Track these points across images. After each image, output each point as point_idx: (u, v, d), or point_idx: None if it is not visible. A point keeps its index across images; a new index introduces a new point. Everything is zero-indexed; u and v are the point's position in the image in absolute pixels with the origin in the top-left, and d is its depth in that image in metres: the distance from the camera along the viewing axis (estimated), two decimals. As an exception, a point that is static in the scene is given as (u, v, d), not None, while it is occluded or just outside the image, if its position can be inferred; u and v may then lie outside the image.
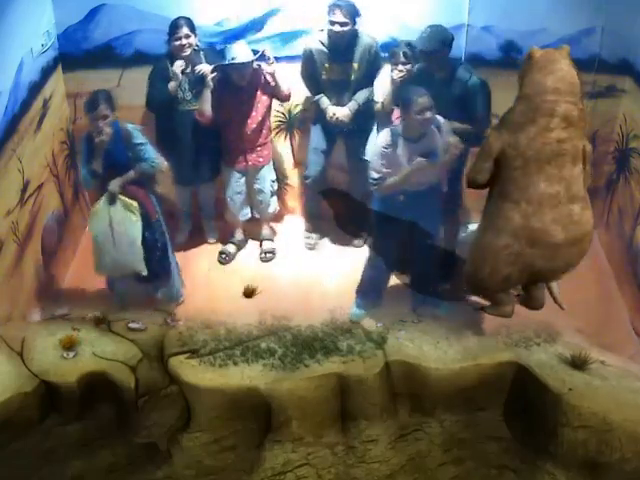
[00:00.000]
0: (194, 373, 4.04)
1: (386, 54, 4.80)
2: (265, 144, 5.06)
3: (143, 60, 4.89)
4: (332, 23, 4.60)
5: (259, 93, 4.85)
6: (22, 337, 4.18)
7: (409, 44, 4.60)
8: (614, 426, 3.67)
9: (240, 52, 4.62)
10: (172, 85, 4.73)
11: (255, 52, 4.68)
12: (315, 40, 4.76)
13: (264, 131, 5.00)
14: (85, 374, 3.98)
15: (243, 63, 4.64)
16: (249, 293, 4.82)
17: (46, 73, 4.81)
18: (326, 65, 4.76)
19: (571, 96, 3.63)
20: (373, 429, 4.03)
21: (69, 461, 3.88)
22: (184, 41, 4.62)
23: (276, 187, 5.28)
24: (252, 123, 4.90)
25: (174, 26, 4.61)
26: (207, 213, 5.49)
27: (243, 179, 5.15)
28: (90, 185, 4.46)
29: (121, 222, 4.32)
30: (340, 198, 5.39)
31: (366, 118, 4.92)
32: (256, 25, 4.87)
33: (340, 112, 4.82)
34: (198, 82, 4.73)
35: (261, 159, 5.08)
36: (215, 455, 3.96)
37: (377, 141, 4.36)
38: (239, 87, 4.79)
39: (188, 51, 4.67)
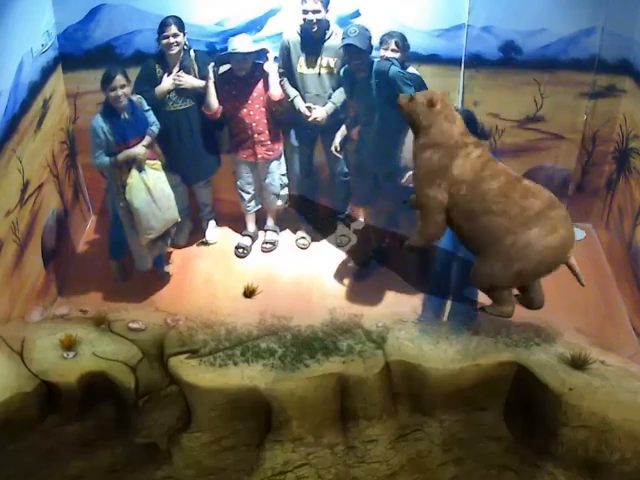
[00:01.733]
0: (194, 373, 4.04)
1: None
2: (275, 137, 5.07)
3: (143, 60, 4.88)
4: (305, 12, 4.58)
5: (261, 86, 4.86)
6: (22, 337, 4.18)
7: (401, 35, 4.54)
8: (614, 426, 3.67)
9: (240, 43, 4.66)
10: (159, 90, 4.76)
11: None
12: (292, 31, 4.75)
13: (272, 123, 5.01)
14: (85, 374, 3.98)
15: (243, 53, 4.68)
16: (249, 293, 4.82)
17: (46, 73, 4.81)
18: (301, 57, 4.75)
19: (468, 135, 4.01)
20: (373, 429, 4.03)
21: (69, 461, 3.88)
22: (172, 40, 4.63)
23: (286, 181, 5.30)
24: (256, 114, 4.91)
25: (163, 24, 4.62)
26: (205, 213, 5.49)
27: (253, 171, 5.18)
28: (105, 166, 4.50)
29: (156, 184, 4.58)
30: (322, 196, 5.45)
31: (343, 114, 4.89)
32: (256, 25, 4.87)
33: (316, 113, 4.80)
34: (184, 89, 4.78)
35: (271, 152, 5.09)
36: (215, 455, 3.96)
37: None
38: (240, 78, 4.81)
39: (176, 49, 4.69)
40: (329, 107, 4.82)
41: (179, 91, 4.80)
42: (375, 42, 4.49)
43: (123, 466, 3.90)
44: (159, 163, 4.66)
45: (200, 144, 5.01)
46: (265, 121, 4.97)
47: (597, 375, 3.97)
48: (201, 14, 4.88)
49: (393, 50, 4.51)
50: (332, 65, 4.75)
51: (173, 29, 4.61)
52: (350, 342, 4.22)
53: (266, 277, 5.06)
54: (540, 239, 3.83)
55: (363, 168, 4.81)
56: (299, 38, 4.73)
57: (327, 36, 4.70)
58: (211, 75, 4.72)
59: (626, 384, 3.92)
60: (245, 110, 4.90)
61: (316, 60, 4.75)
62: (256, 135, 4.99)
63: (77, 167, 5.50)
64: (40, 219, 4.75)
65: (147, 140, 4.57)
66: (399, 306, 4.61)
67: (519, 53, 4.96)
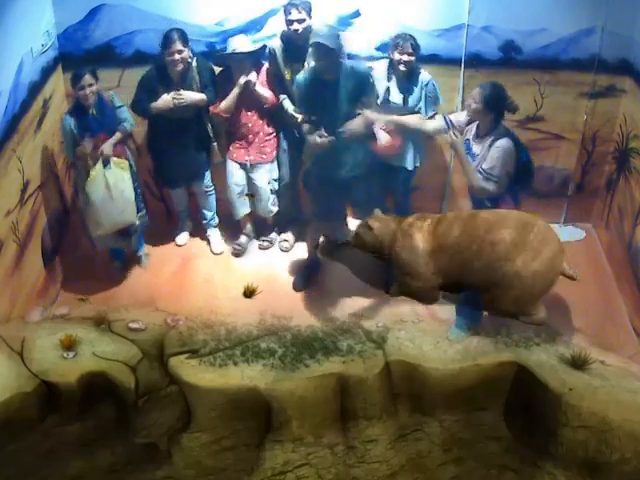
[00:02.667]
0: (194, 373, 4.04)
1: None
2: (269, 140, 5.06)
3: (143, 60, 4.89)
4: (290, 22, 4.57)
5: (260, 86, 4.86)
6: (22, 337, 4.18)
7: (414, 38, 4.57)
8: (614, 426, 3.67)
9: (239, 44, 4.68)
10: (155, 107, 4.77)
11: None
12: (277, 40, 4.75)
13: (267, 126, 5.00)
14: (85, 374, 3.98)
15: (243, 53, 4.68)
16: (249, 293, 4.82)
17: (46, 73, 4.81)
18: (288, 65, 4.74)
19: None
20: (373, 429, 4.03)
21: (69, 461, 3.88)
22: (177, 56, 4.63)
23: (277, 186, 5.25)
24: (253, 115, 4.91)
25: (167, 40, 4.60)
26: (208, 220, 5.46)
27: (242, 172, 5.15)
28: (70, 158, 4.66)
29: (116, 182, 4.62)
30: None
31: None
32: (256, 25, 4.87)
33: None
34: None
35: (264, 156, 5.08)
36: (215, 455, 3.96)
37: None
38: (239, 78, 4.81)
39: (181, 66, 4.68)
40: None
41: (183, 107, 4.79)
42: (376, 42, 4.52)
43: (123, 466, 3.90)
44: (126, 163, 4.70)
45: (193, 146, 5.01)
46: (261, 122, 4.96)
47: (597, 375, 3.97)
48: (201, 14, 4.88)
49: (409, 54, 4.56)
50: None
51: (178, 45, 4.59)
52: (350, 342, 4.22)
53: (266, 277, 5.06)
54: (527, 267, 3.99)
55: (325, 176, 4.59)
56: (282, 45, 4.72)
57: (311, 41, 4.66)
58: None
59: (626, 384, 3.92)
60: (242, 110, 4.90)
61: (302, 65, 4.69)
62: (250, 136, 4.98)
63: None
64: (40, 219, 4.75)
65: (116, 136, 4.62)
66: (399, 306, 4.61)
67: (519, 53, 4.97)
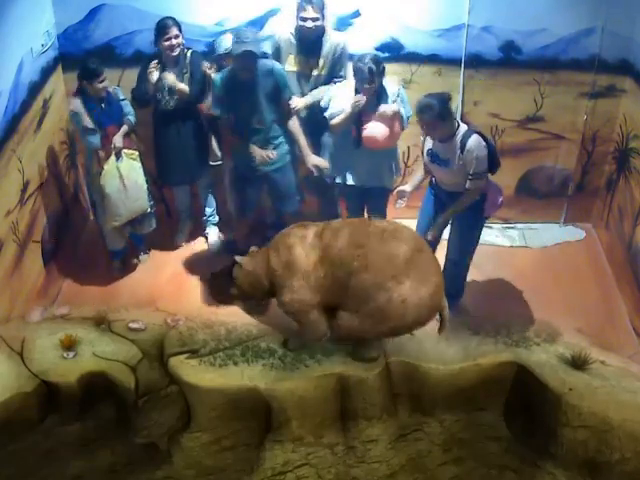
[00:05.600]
0: (194, 373, 4.04)
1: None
2: None
3: (143, 60, 4.88)
4: (304, 19, 4.54)
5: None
6: (22, 337, 4.18)
7: (375, 58, 4.29)
8: (614, 426, 3.68)
9: (227, 42, 4.63)
10: (149, 87, 4.78)
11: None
12: (286, 31, 4.71)
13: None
14: (85, 374, 3.98)
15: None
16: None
17: (46, 73, 4.81)
18: (291, 56, 4.72)
19: None
20: (373, 429, 4.03)
21: (69, 461, 3.88)
22: (174, 41, 4.63)
23: None
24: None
25: (164, 26, 4.60)
26: (207, 217, 5.45)
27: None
28: (96, 146, 4.60)
29: (129, 173, 4.71)
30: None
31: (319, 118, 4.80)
32: (256, 25, 4.86)
33: (295, 102, 4.64)
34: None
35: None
36: (215, 455, 3.96)
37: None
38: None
39: (177, 50, 4.68)
40: (307, 99, 4.73)
41: (170, 91, 4.77)
42: (376, 42, 4.45)
43: (123, 466, 3.90)
44: (136, 153, 4.77)
45: (192, 144, 4.99)
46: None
47: (597, 375, 3.97)
48: (201, 14, 4.88)
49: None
50: (321, 66, 4.71)
51: (174, 30, 4.60)
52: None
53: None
54: (414, 293, 3.70)
55: (244, 172, 4.76)
56: (292, 38, 4.69)
57: (323, 40, 4.65)
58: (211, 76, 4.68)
59: (626, 384, 3.92)
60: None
61: (307, 60, 4.70)
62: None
63: (77, 167, 5.49)
64: (40, 219, 4.75)
65: (124, 129, 4.67)
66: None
67: (519, 53, 4.96)
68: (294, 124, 4.64)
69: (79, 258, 5.32)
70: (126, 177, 4.68)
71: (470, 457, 3.95)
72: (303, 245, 3.90)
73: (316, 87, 4.75)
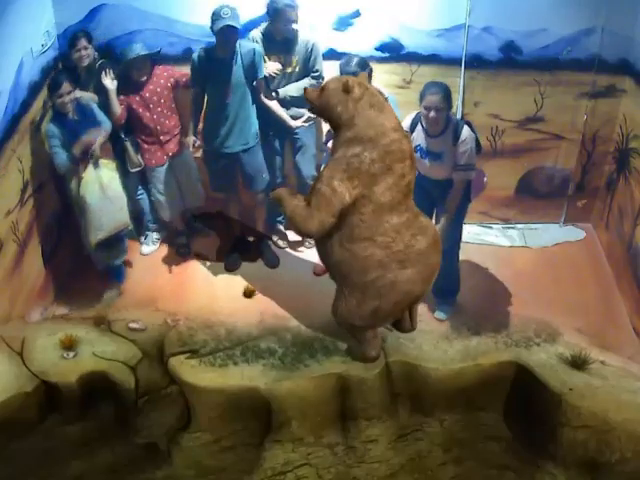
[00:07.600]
0: (194, 373, 4.04)
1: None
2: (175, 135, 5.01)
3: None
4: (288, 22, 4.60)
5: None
6: (22, 337, 4.19)
7: (361, 62, 4.35)
8: (614, 426, 3.67)
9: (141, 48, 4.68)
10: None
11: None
12: (257, 32, 4.76)
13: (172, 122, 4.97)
14: (85, 374, 3.98)
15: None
16: (249, 293, 4.82)
17: (46, 73, 4.80)
18: (264, 56, 4.73)
19: (400, 127, 3.61)
20: (373, 429, 4.03)
21: (69, 461, 3.87)
22: (83, 52, 4.72)
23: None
24: (160, 117, 4.89)
25: (73, 38, 4.70)
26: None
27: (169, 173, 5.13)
28: (64, 163, 4.48)
29: (110, 183, 4.58)
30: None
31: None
32: (256, 25, 4.86)
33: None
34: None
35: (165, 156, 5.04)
36: (215, 455, 3.96)
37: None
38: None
39: (87, 61, 4.76)
40: (287, 91, 4.79)
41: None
42: (376, 42, 4.44)
43: (123, 466, 3.90)
44: (113, 164, 4.67)
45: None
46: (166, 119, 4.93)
47: (597, 375, 3.97)
48: (201, 14, 4.87)
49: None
50: (294, 64, 4.74)
51: (83, 42, 4.69)
52: (350, 342, 4.22)
53: (266, 277, 5.06)
54: (408, 283, 3.71)
55: (215, 151, 4.85)
56: (261, 37, 4.74)
57: (293, 38, 4.69)
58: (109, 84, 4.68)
59: (626, 384, 3.92)
60: (148, 114, 4.85)
61: (278, 58, 4.73)
62: (161, 135, 4.93)
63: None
64: (40, 219, 4.75)
65: (102, 137, 4.53)
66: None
67: (519, 53, 4.96)
68: (269, 100, 4.75)
69: (79, 258, 5.32)
70: (107, 186, 4.53)
71: (470, 457, 3.95)
72: (396, 183, 3.56)
73: (289, 84, 4.79)
